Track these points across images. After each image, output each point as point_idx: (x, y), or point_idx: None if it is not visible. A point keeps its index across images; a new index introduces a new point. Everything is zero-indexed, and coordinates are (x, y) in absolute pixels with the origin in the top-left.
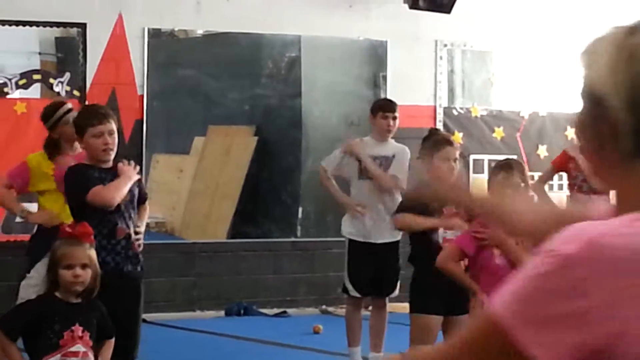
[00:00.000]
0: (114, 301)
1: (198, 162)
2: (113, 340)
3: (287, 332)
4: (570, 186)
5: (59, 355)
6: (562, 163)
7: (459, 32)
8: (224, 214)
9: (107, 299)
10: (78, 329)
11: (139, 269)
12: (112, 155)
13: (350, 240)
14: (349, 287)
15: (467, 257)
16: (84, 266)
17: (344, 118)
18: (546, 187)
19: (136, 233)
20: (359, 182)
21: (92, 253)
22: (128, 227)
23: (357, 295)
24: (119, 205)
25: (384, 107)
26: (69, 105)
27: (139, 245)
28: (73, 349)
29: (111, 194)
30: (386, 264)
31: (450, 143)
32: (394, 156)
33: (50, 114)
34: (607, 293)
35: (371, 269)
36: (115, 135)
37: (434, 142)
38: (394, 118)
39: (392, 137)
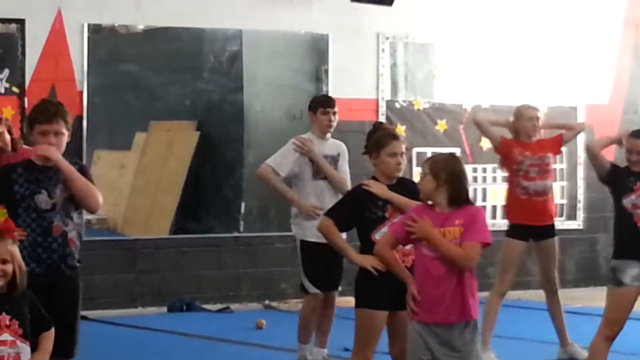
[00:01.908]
0: (50, 300)
1: (140, 158)
2: (51, 331)
3: (230, 327)
4: (515, 172)
5: None
6: (507, 150)
7: (400, 25)
8: (166, 209)
9: (42, 297)
10: (4, 318)
11: (75, 266)
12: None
13: (304, 242)
14: (308, 285)
15: (400, 244)
16: (4, 261)
17: (285, 112)
18: (492, 178)
19: None
20: (313, 182)
21: (14, 249)
22: (65, 224)
23: (318, 291)
24: (55, 203)
25: (324, 103)
26: None
27: None
28: None
29: None
30: (334, 260)
31: (396, 137)
32: (339, 155)
33: None
34: None
35: (325, 266)
36: (64, 136)
37: (379, 137)
38: (334, 113)
39: (335, 131)
